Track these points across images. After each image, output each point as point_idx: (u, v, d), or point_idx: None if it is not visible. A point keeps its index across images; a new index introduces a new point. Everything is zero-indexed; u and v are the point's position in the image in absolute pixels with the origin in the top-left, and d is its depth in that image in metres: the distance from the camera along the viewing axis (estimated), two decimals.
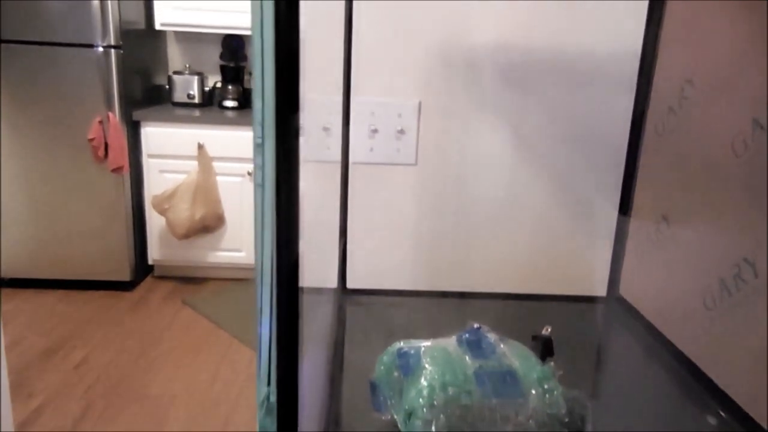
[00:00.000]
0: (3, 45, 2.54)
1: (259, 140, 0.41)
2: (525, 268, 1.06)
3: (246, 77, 3.19)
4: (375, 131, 1.08)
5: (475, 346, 0.63)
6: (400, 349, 0.65)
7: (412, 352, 0.63)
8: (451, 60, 1.03)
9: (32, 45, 2.53)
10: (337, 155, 1.07)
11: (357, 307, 1.00)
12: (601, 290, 0.96)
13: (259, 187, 0.40)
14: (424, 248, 1.10)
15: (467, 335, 0.64)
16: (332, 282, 1.01)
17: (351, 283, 1.04)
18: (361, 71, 1.04)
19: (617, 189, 0.95)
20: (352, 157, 1.08)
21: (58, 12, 2.50)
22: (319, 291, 0.94)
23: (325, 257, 1.03)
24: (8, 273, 2.79)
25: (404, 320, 0.95)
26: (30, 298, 2.73)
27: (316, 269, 0.90)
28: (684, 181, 0.72)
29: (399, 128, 1.08)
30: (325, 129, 1.09)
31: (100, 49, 2.55)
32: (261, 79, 0.40)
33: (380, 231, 1.10)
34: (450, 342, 0.64)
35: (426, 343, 0.64)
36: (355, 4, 1.00)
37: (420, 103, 1.06)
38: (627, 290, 0.91)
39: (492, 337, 0.64)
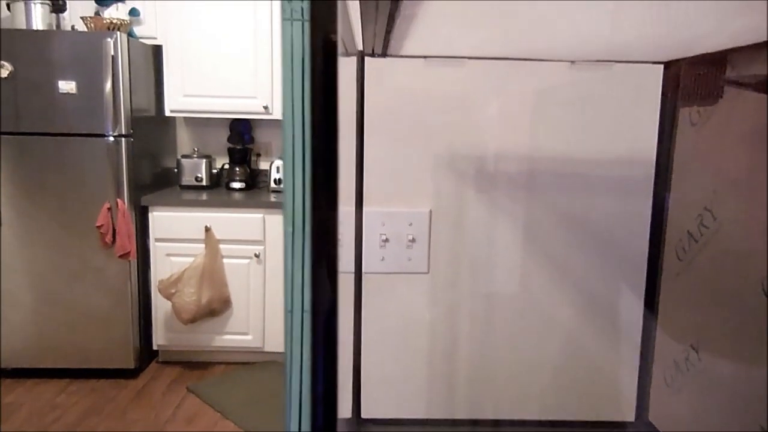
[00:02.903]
0: (16, 137, 2.59)
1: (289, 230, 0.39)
2: (548, 388, 1.01)
3: (253, 158, 3.24)
4: (386, 241, 1.07)
5: None
6: None
7: None
8: (461, 168, 1.03)
9: (44, 136, 2.59)
10: (347, 266, 1.05)
11: None
12: (629, 415, 0.92)
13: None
14: (440, 367, 1.06)
15: None
16: (346, 410, 0.97)
17: (366, 411, 1.00)
18: (371, 181, 1.04)
19: (640, 299, 0.92)
20: (364, 268, 1.06)
21: (71, 103, 2.57)
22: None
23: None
24: (10, 363, 2.73)
25: None
26: (31, 388, 2.66)
27: None
28: (712, 311, 0.70)
29: (410, 237, 1.06)
30: None
31: (111, 138, 2.61)
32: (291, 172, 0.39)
33: (394, 346, 1.06)
34: None
35: None
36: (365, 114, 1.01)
37: (431, 211, 1.05)
38: (657, 416, 0.86)
39: None
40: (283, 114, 0.38)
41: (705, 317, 0.72)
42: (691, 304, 0.75)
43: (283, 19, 0.40)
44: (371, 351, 1.07)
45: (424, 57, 0.88)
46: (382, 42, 0.63)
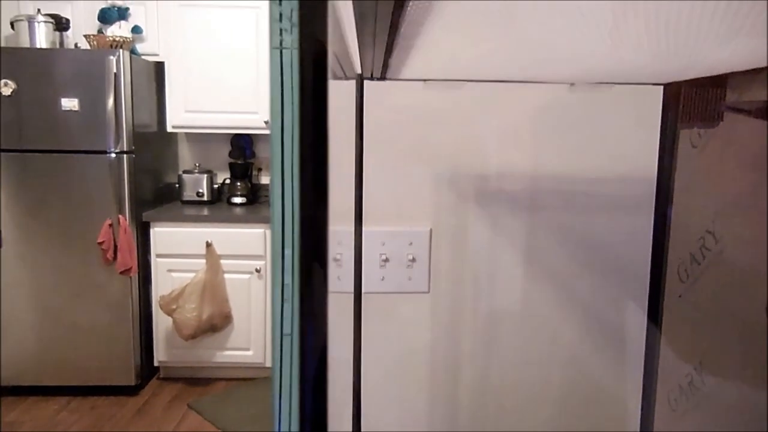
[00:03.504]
0: (19, 154, 2.60)
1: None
2: (551, 409, 1.00)
3: (254, 173, 3.24)
4: (386, 260, 1.06)
5: None
6: None
7: None
8: (461, 187, 1.03)
9: (46, 153, 2.60)
10: (347, 286, 1.05)
11: None
12: None
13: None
14: (442, 387, 1.05)
15: None
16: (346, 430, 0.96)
17: (366, 427, 0.99)
18: (371, 200, 1.04)
19: (643, 319, 0.91)
20: (364, 287, 1.06)
21: (74, 121, 2.58)
22: None
23: (335, 398, 0.99)
24: (10, 381, 2.72)
25: None
26: (31, 406, 2.65)
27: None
28: (716, 333, 0.69)
29: (410, 256, 1.06)
30: (335, 260, 1.07)
31: (113, 155, 2.62)
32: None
33: (395, 366, 1.06)
34: None
35: None
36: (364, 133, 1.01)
37: (431, 230, 1.05)
38: None
39: None
40: (271, 145, 0.38)
41: (708, 339, 0.71)
42: (694, 325, 0.74)
43: (272, 48, 0.40)
44: (371, 371, 1.06)
45: (424, 80, 0.89)
46: (381, 67, 0.63)
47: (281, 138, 0.39)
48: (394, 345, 1.06)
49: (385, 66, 0.61)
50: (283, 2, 0.36)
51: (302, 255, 0.38)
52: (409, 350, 1.06)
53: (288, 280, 0.45)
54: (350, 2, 0.40)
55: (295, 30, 0.36)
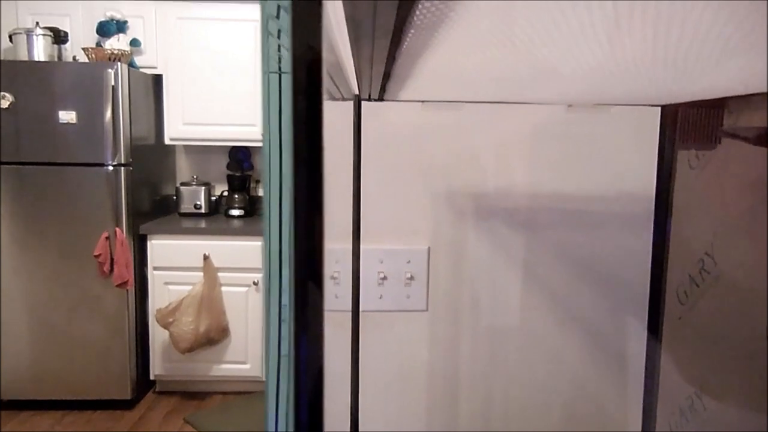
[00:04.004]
0: (16, 167, 2.60)
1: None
2: (552, 427, 0.99)
3: (252, 185, 3.24)
4: (384, 278, 1.06)
5: None
6: None
7: None
8: (459, 205, 1.03)
9: (44, 166, 2.60)
10: (344, 304, 1.04)
11: None
12: None
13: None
14: (440, 406, 1.04)
15: None
16: None
17: None
18: (369, 218, 1.04)
19: (643, 339, 0.91)
20: (362, 306, 1.05)
21: (71, 133, 2.58)
22: None
23: (333, 416, 0.98)
24: (5, 395, 2.70)
25: None
26: (26, 420, 2.62)
27: None
28: (715, 357, 0.68)
29: (409, 274, 1.05)
30: (333, 278, 1.07)
31: (110, 167, 2.61)
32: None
33: (393, 385, 1.05)
34: None
35: None
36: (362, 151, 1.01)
37: (429, 249, 1.04)
38: None
39: None
40: (264, 164, 0.37)
41: (709, 363, 0.70)
42: (694, 349, 0.74)
43: (264, 73, 0.39)
44: (369, 390, 1.05)
45: (422, 101, 0.89)
46: (379, 90, 0.63)
47: (279, 157, 0.38)
48: (392, 364, 1.06)
49: (383, 89, 0.61)
50: (281, 35, 0.36)
51: (296, 275, 0.38)
52: (407, 369, 1.05)
53: (286, 300, 0.44)
54: (346, 29, 0.40)
55: (287, 53, 0.36)
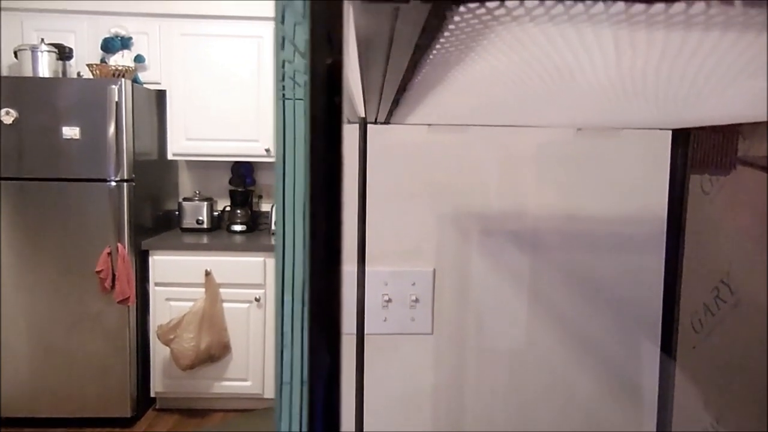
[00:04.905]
0: (18, 182, 2.59)
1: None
2: None
3: (254, 200, 3.23)
4: (389, 301, 1.04)
5: None
6: None
7: None
8: (465, 226, 1.01)
9: (46, 181, 2.59)
10: (348, 327, 1.02)
11: None
12: None
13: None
14: (445, 431, 1.02)
15: None
16: None
17: None
18: (373, 240, 1.02)
19: (655, 365, 0.89)
20: (366, 329, 1.03)
21: (75, 149, 2.58)
22: None
23: None
24: (5, 412, 2.67)
25: None
26: None
27: None
28: (733, 389, 0.66)
29: (413, 297, 1.04)
30: None
31: (113, 183, 2.61)
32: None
33: (397, 410, 1.03)
34: None
35: None
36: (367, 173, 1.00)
37: (434, 271, 1.03)
38: None
39: None
40: (276, 192, 0.36)
41: (726, 394, 0.68)
42: (710, 378, 0.72)
43: (278, 99, 0.38)
44: (374, 415, 1.03)
45: (428, 125, 0.88)
46: (386, 115, 0.62)
47: (293, 184, 0.37)
48: (396, 388, 1.04)
49: (390, 114, 0.60)
50: (296, 56, 0.35)
51: (314, 320, 0.36)
52: (411, 394, 1.03)
53: (288, 328, 0.42)
54: (355, 57, 0.39)
55: (303, 79, 0.35)
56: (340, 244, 0.34)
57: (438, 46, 0.24)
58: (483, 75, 0.31)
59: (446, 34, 0.20)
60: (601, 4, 0.16)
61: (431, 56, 0.27)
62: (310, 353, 0.36)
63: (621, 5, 0.16)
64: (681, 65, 0.33)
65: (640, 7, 0.16)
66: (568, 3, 0.16)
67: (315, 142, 0.26)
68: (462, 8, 0.17)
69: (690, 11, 0.19)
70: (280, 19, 0.32)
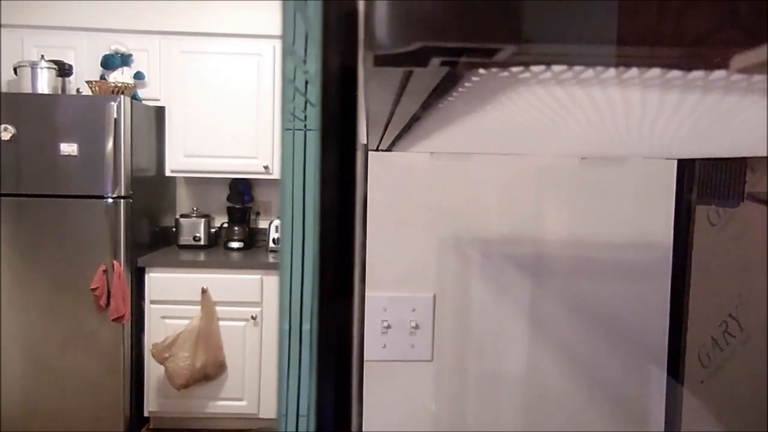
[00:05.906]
0: (16, 199, 2.58)
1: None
2: None
3: (252, 217, 3.22)
4: (388, 327, 1.03)
5: None
6: None
7: None
8: (466, 252, 1.00)
9: (44, 198, 2.58)
10: None
11: None
12: None
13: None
14: None
15: None
16: None
17: None
18: (373, 265, 1.01)
19: (661, 395, 0.87)
20: (365, 355, 1.01)
21: (72, 165, 2.57)
22: None
23: None
24: None
25: None
26: None
27: None
28: (743, 427, 0.65)
29: (413, 323, 1.02)
30: None
31: (110, 200, 2.59)
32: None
33: None
34: None
35: None
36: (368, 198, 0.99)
37: (435, 296, 1.01)
38: None
39: None
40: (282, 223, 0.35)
41: (735, 430, 0.67)
42: (718, 414, 0.70)
43: (285, 129, 0.37)
44: None
45: (431, 152, 0.87)
46: (388, 145, 0.61)
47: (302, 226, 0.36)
48: (395, 416, 1.01)
49: (393, 144, 0.59)
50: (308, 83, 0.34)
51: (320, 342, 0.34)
52: (411, 422, 1.01)
53: (284, 362, 0.41)
54: (362, 91, 0.38)
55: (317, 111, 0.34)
56: (353, 270, 0.32)
57: (451, 99, 0.23)
58: (495, 121, 0.30)
59: (461, 89, 0.20)
60: (635, 70, 0.15)
61: (442, 104, 0.26)
62: (317, 390, 0.34)
63: (657, 71, 0.16)
64: (687, 109, 0.32)
65: (677, 73, 0.16)
66: (599, 68, 0.15)
67: (327, 186, 0.25)
68: (482, 70, 0.16)
69: (709, 78, 0.18)
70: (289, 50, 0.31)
